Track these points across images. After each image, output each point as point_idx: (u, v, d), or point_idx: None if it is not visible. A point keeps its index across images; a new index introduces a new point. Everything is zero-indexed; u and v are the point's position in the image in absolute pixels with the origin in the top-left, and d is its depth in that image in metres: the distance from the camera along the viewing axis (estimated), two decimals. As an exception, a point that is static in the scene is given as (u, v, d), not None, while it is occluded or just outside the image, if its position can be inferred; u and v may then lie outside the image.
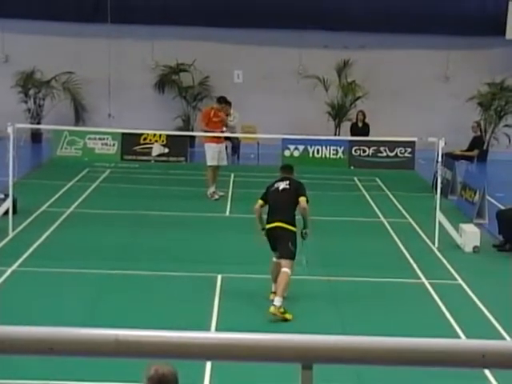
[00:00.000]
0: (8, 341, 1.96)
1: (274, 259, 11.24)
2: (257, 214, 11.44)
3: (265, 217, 11.38)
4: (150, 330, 2.00)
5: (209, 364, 8.73)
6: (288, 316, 10.54)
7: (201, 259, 13.40)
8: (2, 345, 1.93)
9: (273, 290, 11.12)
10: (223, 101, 18.61)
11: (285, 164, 13.08)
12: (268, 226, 11.16)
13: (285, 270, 10.83)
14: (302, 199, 11.14)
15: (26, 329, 2.01)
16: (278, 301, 10.53)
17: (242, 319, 10.45)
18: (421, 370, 6.82)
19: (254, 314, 10.81)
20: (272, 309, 10.46)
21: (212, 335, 2.01)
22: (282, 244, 11.00)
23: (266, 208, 11.39)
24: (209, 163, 18.14)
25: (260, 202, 11.45)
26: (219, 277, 12.32)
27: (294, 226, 11.10)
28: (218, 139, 18.12)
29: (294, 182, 11.42)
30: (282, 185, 11.34)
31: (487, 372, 8.90)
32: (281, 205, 11.15)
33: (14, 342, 1.92)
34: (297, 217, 11.31)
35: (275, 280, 11.06)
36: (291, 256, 10.97)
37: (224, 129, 18.47)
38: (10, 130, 14.10)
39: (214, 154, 18.04)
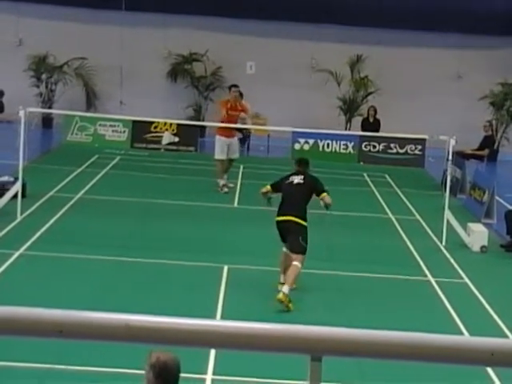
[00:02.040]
0: (17, 321, 1.96)
1: (284, 249, 11.27)
2: (263, 197, 11.66)
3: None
4: (160, 316, 1.99)
5: (212, 353, 8.74)
6: (291, 306, 10.58)
7: (208, 249, 13.41)
8: (11, 325, 1.93)
9: (281, 280, 11.12)
10: (233, 87, 18.33)
11: (300, 157, 12.83)
12: (279, 219, 11.15)
13: (295, 263, 10.83)
14: (324, 195, 11.31)
15: (36, 310, 2.01)
16: (286, 289, 10.58)
17: (248, 310, 10.46)
18: (427, 368, 6.82)
19: (260, 304, 10.81)
20: (281, 295, 10.50)
21: (222, 323, 2.00)
22: (293, 239, 11.00)
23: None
24: (216, 156, 18.07)
25: (268, 187, 11.61)
26: (225, 267, 12.32)
27: (305, 220, 11.09)
28: (228, 132, 17.98)
29: (308, 177, 11.42)
30: (297, 179, 11.33)
31: (491, 373, 8.89)
32: (294, 199, 11.14)
33: (23, 323, 1.92)
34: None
35: (284, 271, 11.10)
36: (302, 251, 10.96)
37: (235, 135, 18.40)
38: (21, 113, 14.11)
39: (222, 147, 17.96)
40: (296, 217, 11.03)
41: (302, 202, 11.17)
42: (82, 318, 1.93)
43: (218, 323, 2.01)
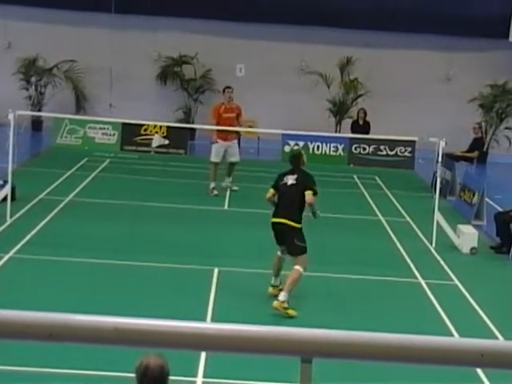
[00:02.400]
0: (6, 325, 1.95)
1: (279, 253, 11.14)
2: (269, 203, 11.31)
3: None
4: (149, 319, 1.99)
5: (203, 355, 8.73)
6: (291, 312, 10.46)
7: (198, 252, 13.40)
8: (5, 328, 1.92)
9: (272, 283, 11.10)
10: (227, 88, 18.40)
11: (292, 153, 12.35)
12: (273, 220, 11.01)
13: (296, 267, 10.66)
14: (308, 193, 10.86)
15: (26, 313, 2.00)
16: (282, 296, 10.44)
17: (238, 313, 10.46)
18: (417, 369, 6.82)
19: (251, 307, 10.81)
20: (275, 303, 10.40)
21: (212, 326, 2.00)
22: (289, 241, 10.85)
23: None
24: (211, 159, 18.07)
25: (271, 191, 11.29)
26: (216, 270, 12.32)
27: (299, 222, 10.87)
28: (225, 135, 17.86)
29: (301, 176, 11.09)
30: (291, 179, 11.06)
31: (481, 374, 8.92)
32: (287, 201, 10.94)
33: (12, 326, 1.91)
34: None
35: (276, 274, 11.06)
36: (301, 251, 10.77)
37: (235, 138, 18.37)
38: (10, 116, 14.07)
39: (218, 150, 17.95)
40: (289, 219, 10.82)
41: (295, 203, 10.89)
42: (72, 320, 1.92)
43: (207, 325, 2.01)
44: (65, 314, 1.97)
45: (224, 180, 18.46)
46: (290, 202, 10.91)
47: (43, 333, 1.87)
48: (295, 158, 11.47)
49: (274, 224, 10.99)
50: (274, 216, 11.02)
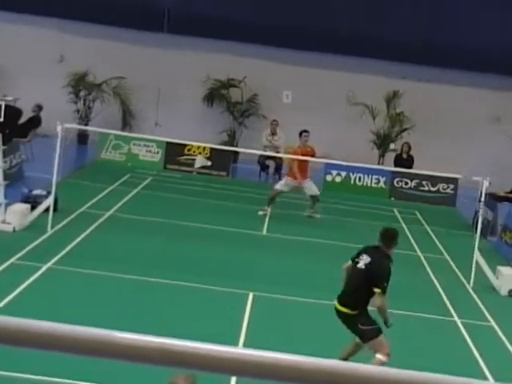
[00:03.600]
0: (53, 336, 1.97)
1: (357, 339, 9.56)
2: (345, 274, 9.77)
3: None
4: (195, 342, 2.00)
5: (233, 378, 8.71)
6: None
7: (234, 275, 13.39)
8: (48, 340, 1.94)
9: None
10: (304, 132, 18.79)
11: (387, 229, 9.93)
12: (336, 306, 9.51)
13: (378, 356, 9.15)
14: (377, 291, 9.15)
15: (71, 327, 2.02)
16: None
17: (271, 339, 10.40)
18: None
19: (284, 335, 10.75)
20: None
21: (246, 352, 2.00)
22: (352, 329, 9.42)
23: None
24: (276, 186, 18.44)
25: (349, 262, 9.72)
26: (251, 294, 12.30)
27: (356, 309, 9.30)
28: (295, 176, 18.18)
29: (375, 263, 9.34)
30: (362, 262, 9.39)
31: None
32: (350, 285, 9.42)
33: (59, 338, 1.93)
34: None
35: (343, 358, 9.25)
36: (370, 336, 9.23)
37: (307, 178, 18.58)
38: (58, 129, 14.26)
39: (287, 183, 18.31)
40: (343, 306, 9.35)
41: (356, 290, 9.29)
42: (117, 338, 1.93)
43: (241, 351, 2.02)
44: (111, 330, 1.99)
45: (306, 210, 18.80)
46: (350, 288, 9.40)
47: (89, 348, 1.88)
48: (386, 236, 9.59)
49: (336, 310, 9.54)
50: (337, 301, 9.52)
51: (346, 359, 9.17)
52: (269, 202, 18.32)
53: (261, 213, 18.17)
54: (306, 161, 18.28)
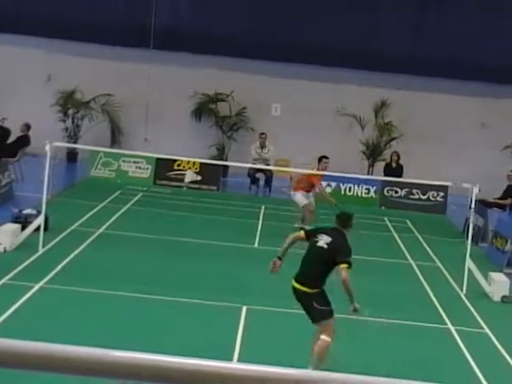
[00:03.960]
0: (47, 357, 1.98)
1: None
2: (288, 241, 10.11)
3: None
4: (188, 358, 2.01)
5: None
6: None
7: (227, 289, 13.38)
8: (42, 361, 1.95)
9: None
10: (324, 158, 18.58)
11: (343, 212, 10.36)
12: (292, 284, 9.76)
13: (322, 337, 9.42)
14: (343, 267, 9.41)
15: (63, 347, 2.03)
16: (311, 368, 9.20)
17: (266, 353, 10.39)
18: None
19: (278, 348, 10.75)
20: None
21: (241, 366, 2.02)
22: (307, 308, 9.62)
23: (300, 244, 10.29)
24: (303, 202, 18.22)
25: (301, 233, 10.23)
26: (244, 308, 12.29)
27: (315, 288, 9.55)
28: (309, 188, 18.34)
29: (336, 242, 9.65)
30: (323, 241, 9.67)
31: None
32: (309, 263, 9.67)
33: (53, 359, 1.94)
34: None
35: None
36: (323, 316, 9.45)
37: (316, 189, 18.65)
38: (47, 147, 14.25)
39: (302, 197, 18.23)
40: (302, 284, 9.57)
41: (316, 269, 9.59)
42: (111, 356, 1.95)
43: (236, 366, 2.03)
44: (103, 349, 2.00)
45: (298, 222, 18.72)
46: (310, 266, 9.65)
47: (84, 368, 1.90)
48: (343, 217, 10.02)
49: (292, 287, 9.77)
50: (294, 278, 9.74)
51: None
52: (305, 222, 18.15)
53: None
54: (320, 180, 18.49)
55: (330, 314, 9.49)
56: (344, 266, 9.43)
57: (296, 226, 18.66)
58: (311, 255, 9.74)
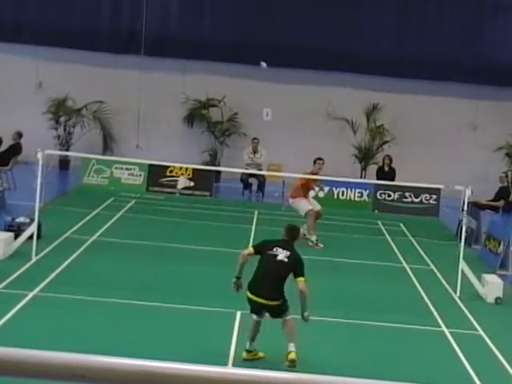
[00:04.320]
0: (40, 365, 1.98)
1: (255, 317, 10.30)
2: (241, 260, 10.37)
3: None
4: (178, 363, 2.02)
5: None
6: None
7: (221, 294, 13.36)
8: (34, 369, 1.96)
9: (247, 347, 10.34)
10: (318, 160, 18.59)
11: (291, 225, 10.87)
12: (253, 298, 10.09)
13: (288, 318, 10.15)
14: (301, 280, 9.97)
15: (59, 354, 2.03)
16: (294, 347, 9.98)
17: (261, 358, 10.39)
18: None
19: (273, 353, 10.74)
20: (294, 354, 9.92)
21: (236, 371, 2.02)
22: (273, 314, 10.24)
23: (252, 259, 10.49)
24: (306, 208, 18.02)
25: (251, 250, 10.46)
26: (238, 313, 12.28)
27: (281, 298, 10.08)
28: (306, 193, 18.46)
29: (294, 255, 10.20)
30: (282, 254, 10.11)
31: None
32: (272, 277, 10.02)
33: (46, 366, 1.94)
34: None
35: (252, 338, 10.26)
36: (287, 310, 10.19)
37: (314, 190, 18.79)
38: (39, 155, 14.23)
39: (305, 202, 18.15)
40: (270, 299, 10.01)
41: (280, 282, 10.02)
42: (103, 362, 1.95)
43: (231, 371, 2.04)
44: (96, 355, 2.00)
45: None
46: (275, 281, 10.01)
47: (76, 374, 1.90)
48: (294, 230, 10.61)
49: (254, 302, 10.13)
50: (254, 293, 10.04)
51: (253, 339, 10.18)
52: (313, 229, 18.08)
53: (321, 245, 17.87)
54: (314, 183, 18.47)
55: (288, 308, 10.17)
56: (302, 279, 10.00)
57: (308, 238, 18.21)
58: (271, 269, 10.05)
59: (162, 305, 12.49)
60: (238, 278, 10.42)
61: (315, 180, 18.72)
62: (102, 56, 26.23)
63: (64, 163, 25.75)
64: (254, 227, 19.14)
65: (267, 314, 10.29)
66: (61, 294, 12.49)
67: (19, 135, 22.78)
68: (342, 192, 23.45)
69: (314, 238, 17.81)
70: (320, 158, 18.59)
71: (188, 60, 26.30)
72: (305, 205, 18.14)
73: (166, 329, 11.48)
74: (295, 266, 10.05)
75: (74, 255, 14.97)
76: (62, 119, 26.24)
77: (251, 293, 10.08)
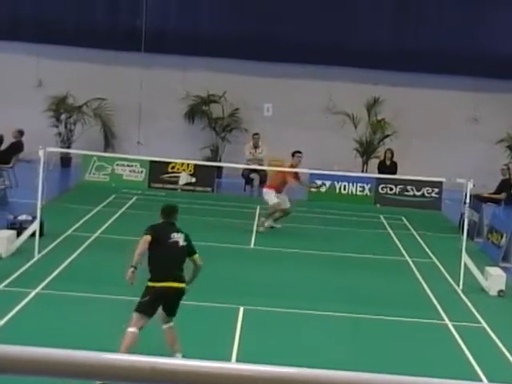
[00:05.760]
0: (44, 362, 1.98)
1: (164, 326, 10.02)
2: (142, 250, 10.00)
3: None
4: (186, 359, 2.02)
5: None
6: None
7: (224, 290, 13.39)
8: (38, 366, 1.96)
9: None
10: (297, 153, 18.68)
11: (170, 206, 10.76)
12: (161, 285, 9.76)
13: (172, 324, 9.99)
14: (197, 256, 10.20)
15: (63, 352, 2.03)
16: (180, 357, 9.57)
17: (264, 352, 10.40)
18: None
19: (277, 347, 10.76)
20: None
21: (239, 366, 2.02)
22: (175, 304, 9.98)
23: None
24: (273, 201, 18.26)
25: (148, 237, 9.99)
26: (241, 309, 12.29)
27: (185, 282, 10.01)
28: (282, 187, 18.47)
29: (185, 236, 10.16)
30: (181, 239, 10.05)
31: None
32: (176, 261, 9.93)
33: (52, 363, 1.94)
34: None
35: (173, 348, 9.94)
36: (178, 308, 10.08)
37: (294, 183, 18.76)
38: (40, 153, 14.24)
39: (273, 196, 18.31)
40: (179, 281, 9.86)
41: (182, 266, 10.04)
42: (109, 359, 1.95)
43: (234, 366, 2.04)
44: (103, 352, 2.00)
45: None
46: (179, 264, 9.98)
47: (82, 371, 1.90)
48: (175, 213, 10.46)
49: (161, 289, 9.77)
50: (162, 280, 9.77)
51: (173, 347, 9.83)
52: (271, 217, 18.34)
53: (261, 229, 18.14)
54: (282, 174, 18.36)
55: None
56: (197, 255, 10.23)
57: (265, 224, 18.42)
58: (174, 254, 9.91)
59: (165, 301, 12.48)
60: (135, 267, 9.98)
61: (297, 178, 18.55)
62: (102, 53, 26.21)
63: (66, 160, 25.75)
64: (256, 222, 19.13)
65: (161, 312, 9.91)
66: (64, 291, 12.51)
67: (20, 133, 22.78)
68: (344, 186, 23.44)
69: (266, 223, 18.13)
70: (299, 152, 18.68)
71: (188, 56, 26.27)
72: (274, 199, 18.25)
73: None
74: (189, 246, 10.13)
75: (77, 252, 14.98)
76: (63, 117, 26.24)
77: (159, 281, 9.76)
